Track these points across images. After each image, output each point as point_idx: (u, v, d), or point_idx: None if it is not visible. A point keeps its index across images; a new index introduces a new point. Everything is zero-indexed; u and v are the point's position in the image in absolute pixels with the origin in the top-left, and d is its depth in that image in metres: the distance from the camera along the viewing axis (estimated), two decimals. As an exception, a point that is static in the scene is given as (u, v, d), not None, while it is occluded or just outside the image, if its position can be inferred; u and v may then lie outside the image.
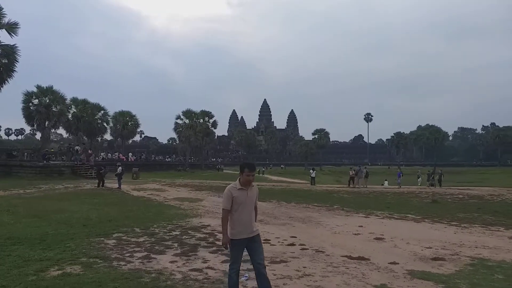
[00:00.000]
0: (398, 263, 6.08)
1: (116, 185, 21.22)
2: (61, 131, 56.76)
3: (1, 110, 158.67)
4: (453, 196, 19.53)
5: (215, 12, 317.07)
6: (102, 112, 51.80)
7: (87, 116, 48.35)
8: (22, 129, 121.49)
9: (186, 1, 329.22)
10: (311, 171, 34.10)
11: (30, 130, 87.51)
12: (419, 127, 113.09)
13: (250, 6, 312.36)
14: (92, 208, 12.64)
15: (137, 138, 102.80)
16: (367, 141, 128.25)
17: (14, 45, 27.73)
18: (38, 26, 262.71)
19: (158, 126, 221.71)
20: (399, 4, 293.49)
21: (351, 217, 11.96)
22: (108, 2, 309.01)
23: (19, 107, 39.41)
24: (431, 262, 6.25)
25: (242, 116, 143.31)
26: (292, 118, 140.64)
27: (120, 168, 22.14)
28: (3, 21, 26.51)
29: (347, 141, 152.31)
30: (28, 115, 39.31)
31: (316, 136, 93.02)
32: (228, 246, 4.13)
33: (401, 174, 31.24)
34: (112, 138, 69.34)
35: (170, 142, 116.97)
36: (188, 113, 62.00)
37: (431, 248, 7.36)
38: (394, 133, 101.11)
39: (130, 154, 55.64)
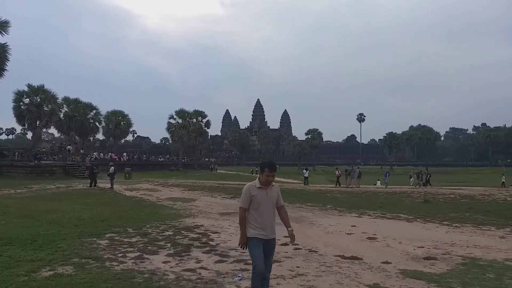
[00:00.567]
0: (390, 263, 6.12)
1: (109, 185, 21.09)
2: (53, 130, 56.17)
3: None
4: (445, 196, 19.69)
5: (209, 12, 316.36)
6: (94, 111, 51.50)
7: (79, 115, 47.97)
8: (13, 128, 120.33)
9: (180, 1, 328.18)
10: (304, 171, 34.20)
11: (21, 130, 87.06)
12: (411, 127, 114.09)
13: (243, 6, 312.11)
14: (84, 208, 12.54)
15: (129, 137, 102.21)
16: (359, 141, 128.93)
17: (5, 43, 27.53)
18: (30, 25, 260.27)
19: (151, 126, 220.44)
20: (392, 4, 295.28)
21: (344, 217, 12.01)
22: (102, 1, 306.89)
23: (10, 106, 39.05)
24: (423, 262, 6.29)
25: (235, 116, 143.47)
26: (285, 118, 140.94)
27: (112, 168, 21.99)
28: (-6, 19, 26.24)
29: (340, 141, 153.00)
30: (19, 115, 38.88)
31: (309, 136, 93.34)
32: (245, 246, 3.93)
33: (387, 174, 31.57)
34: (104, 137, 68.87)
35: (163, 142, 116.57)
36: (181, 113, 61.83)
37: (423, 247, 7.42)
38: (386, 133, 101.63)
39: (124, 154, 55.35)
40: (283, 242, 7.67)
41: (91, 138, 61.72)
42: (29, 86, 39.18)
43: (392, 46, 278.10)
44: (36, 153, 32.88)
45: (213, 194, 19.19)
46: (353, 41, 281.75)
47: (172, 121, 61.95)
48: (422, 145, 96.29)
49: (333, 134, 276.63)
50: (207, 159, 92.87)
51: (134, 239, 7.64)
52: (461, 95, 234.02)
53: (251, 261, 5.58)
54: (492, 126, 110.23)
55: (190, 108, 63.87)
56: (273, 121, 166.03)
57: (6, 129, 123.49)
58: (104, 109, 55.37)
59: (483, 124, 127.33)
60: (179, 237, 7.96)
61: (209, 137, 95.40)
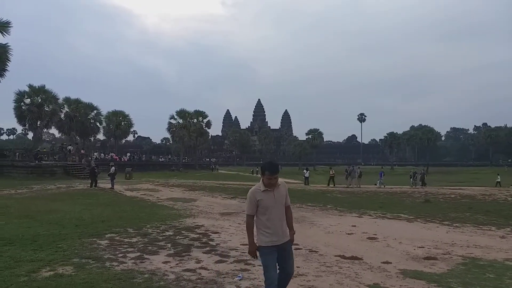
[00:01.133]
0: (391, 263, 6.11)
1: (109, 185, 21.10)
2: (54, 130, 56.32)
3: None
4: (445, 195, 19.66)
5: (208, 12, 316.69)
6: (95, 111, 51.56)
7: (79, 115, 48.05)
8: (14, 128, 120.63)
9: (179, 0, 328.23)
10: (304, 171, 34.15)
11: (22, 130, 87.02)
12: (412, 127, 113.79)
13: (244, 6, 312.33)
14: (84, 208, 12.55)
15: (130, 138, 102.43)
16: (360, 141, 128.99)
17: (6, 44, 27.50)
18: (30, 25, 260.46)
19: (152, 126, 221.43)
20: (391, 5, 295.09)
21: (345, 217, 11.99)
22: (101, 1, 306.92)
23: (11, 106, 39.19)
24: (424, 262, 6.28)
25: (236, 116, 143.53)
26: (286, 118, 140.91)
27: (113, 168, 22.03)
28: (-5, 20, 26.26)
29: (341, 141, 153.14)
30: (20, 115, 38.97)
31: (310, 136, 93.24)
32: (256, 255, 3.66)
33: (382, 174, 31.60)
34: (105, 138, 68.90)
35: (163, 142, 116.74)
36: (182, 113, 61.88)
37: (423, 247, 7.41)
38: (387, 133, 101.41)
39: (128, 154, 55.35)
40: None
41: (92, 138, 61.77)
42: (30, 86, 39.30)
43: (392, 46, 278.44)
44: (37, 154, 32.94)
45: (214, 194, 19.19)
46: (354, 41, 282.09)
47: (172, 121, 62.06)
48: (423, 145, 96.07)
49: (334, 134, 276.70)
50: (207, 159, 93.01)
51: (134, 239, 7.64)
52: (462, 95, 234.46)
53: (253, 263, 5.61)
54: (493, 126, 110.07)
55: (190, 108, 64.13)
56: (273, 121, 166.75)
57: (7, 129, 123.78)
58: (104, 110, 55.55)
59: (484, 124, 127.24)
60: (180, 237, 7.96)
61: (209, 137, 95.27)
